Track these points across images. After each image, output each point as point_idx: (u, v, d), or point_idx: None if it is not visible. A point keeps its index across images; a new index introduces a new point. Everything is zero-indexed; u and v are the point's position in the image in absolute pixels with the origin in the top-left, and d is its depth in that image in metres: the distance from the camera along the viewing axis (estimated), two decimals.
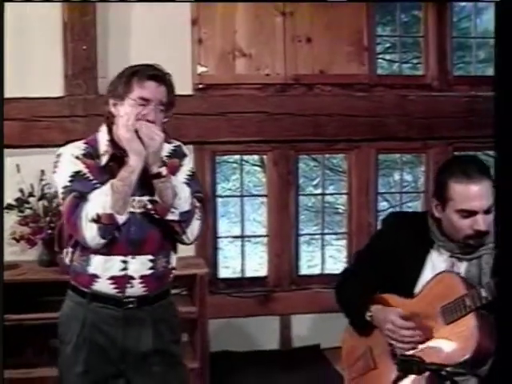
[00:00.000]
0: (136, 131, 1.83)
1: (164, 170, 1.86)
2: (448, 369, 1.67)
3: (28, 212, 3.23)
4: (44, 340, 3.19)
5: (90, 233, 1.81)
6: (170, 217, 1.87)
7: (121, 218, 1.83)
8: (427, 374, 1.79)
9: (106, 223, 1.80)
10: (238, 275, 3.89)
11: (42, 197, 3.24)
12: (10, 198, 3.14)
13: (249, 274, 3.90)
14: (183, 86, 3.35)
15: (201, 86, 3.57)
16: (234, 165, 4.07)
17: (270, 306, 3.74)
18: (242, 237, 3.88)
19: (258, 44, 3.63)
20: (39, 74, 3.30)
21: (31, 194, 3.24)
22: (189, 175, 2.00)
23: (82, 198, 1.83)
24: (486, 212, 1.90)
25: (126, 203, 1.83)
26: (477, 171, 1.92)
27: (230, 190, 4.31)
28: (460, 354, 1.82)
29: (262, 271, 3.90)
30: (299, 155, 3.84)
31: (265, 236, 3.86)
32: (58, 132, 3.32)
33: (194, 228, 1.93)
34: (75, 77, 3.31)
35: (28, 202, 3.23)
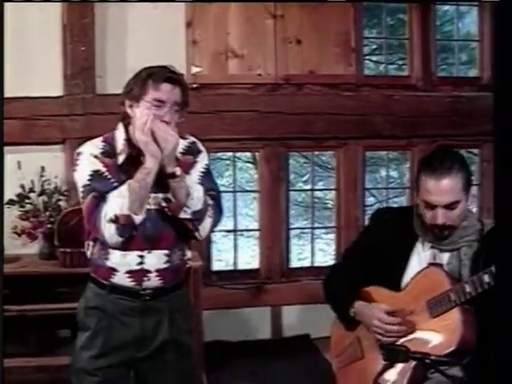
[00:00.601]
0: (152, 133, 1.83)
1: (178, 170, 1.86)
2: (432, 357, 1.70)
3: (29, 207, 3.25)
4: (46, 330, 3.22)
5: (109, 232, 1.84)
6: (182, 215, 1.89)
7: (138, 219, 1.85)
8: (413, 364, 1.84)
9: (123, 223, 1.83)
10: (231, 268, 3.93)
11: (42, 192, 3.27)
12: (11, 193, 3.17)
13: (241, 266, 3.93)
14: None
15: (195, 85, 3.59)
16: (227, 162, 4.03)
17: (262, 298, 3.78)
18: (234, 231, 3.92)
19: (250, 45, 3.67)
20: (39, 74, 3.33)
21: (32, 190, 3.26)
22: (203, 172, 1.99)
23: (100, 197, 1.86)
24: (447, 207, 1.93)
25: (142, 204, 1.85)
26: (445, 166, 1.93)
27: (223, 185, 4.21)
28: (445, 346, 1.85)
29: (254, 264, 3.93)
30: (289, 152, 3.87)
31: (257, 230, 3.89)
32: (58, 130, 3.36)
33: (206, 226, 1.94)
34: (74, 77, 3.34)
35: (29, 198, 3.25)
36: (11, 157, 2.97)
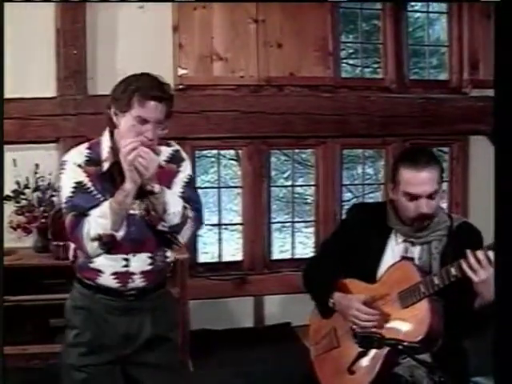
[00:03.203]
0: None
1: (157, 188, 1.86)
2: (405, 343, 1.81)
3: (24, 202, 3.35)
4: (40, 319, 3.30)
5: (91, 248, 1.86)
6: (160, 227, 1.91)
7: (119, 235, 1.86)
8: (385, 350, 1.92)
9: (106, 241, 1.85)
10: (216, 260, 4.03)
11: (37, 189, 3.37)
12: (7, 189, 3.25)
13: (226, 258, 4.04)
14: None
15: (181, 86, 3.71)
16: (212, 159, 4.09)
17: (245, 288, 3.90)
18: (219, 225, 4.03)
19: (234, 49, 3.78)
20: (34, 76, 3.43)
21: (26, 186, 3.36)
22: (186, 182, 1.99)
23: (81, 214, 1.85)
24: (429, 197, 2.00)
25: (123, 222, 1.86)
26: (423, 160, 2.01)
27: (208, 182, 4.34)
28: (415, 334, 1.92)
29: (238, 256, 4.03)
30: (271, 150, 3.99)
31: (240, 224, 4.00)
32: (51, 129, 3.45)
33: (185, 235, 1.96)
34: (66, 79, 3.44)
35: (24, 194, 3.35)
36: (7, 155, 2.87)
